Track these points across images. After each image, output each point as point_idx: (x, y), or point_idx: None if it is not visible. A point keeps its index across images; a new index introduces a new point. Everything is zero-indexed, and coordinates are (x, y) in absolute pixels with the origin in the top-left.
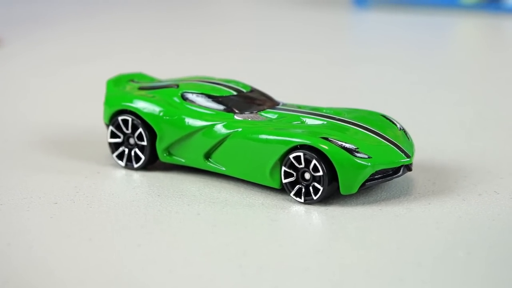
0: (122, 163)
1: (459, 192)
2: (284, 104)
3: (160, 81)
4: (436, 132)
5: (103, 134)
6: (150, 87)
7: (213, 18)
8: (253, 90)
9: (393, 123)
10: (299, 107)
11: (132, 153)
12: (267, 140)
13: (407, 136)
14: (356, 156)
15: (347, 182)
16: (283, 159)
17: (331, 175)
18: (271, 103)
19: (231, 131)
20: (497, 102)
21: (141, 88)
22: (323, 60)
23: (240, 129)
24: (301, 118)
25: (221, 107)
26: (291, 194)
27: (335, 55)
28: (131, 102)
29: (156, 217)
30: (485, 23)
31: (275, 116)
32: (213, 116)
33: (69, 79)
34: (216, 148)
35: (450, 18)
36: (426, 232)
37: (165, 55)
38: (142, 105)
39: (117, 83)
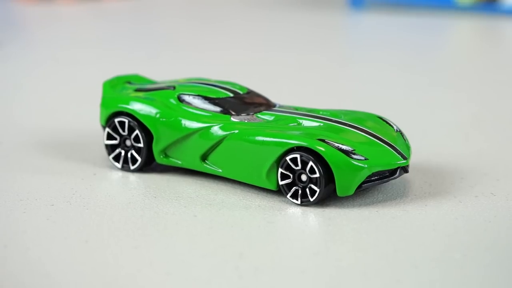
0: (119, 165)
1: (455, 194)
2: (280, 106)
3: (156, 82)
4: (433, 133)
5: (100, 136)
6: (147, 89)
7: (209, 20)
8: (249, 92)
9: (390, 124)
10: (296, 108)
11: (129, 155)
12: (263, 142)
13: (403, 138)
14: (352, 158)
15: (344, 184)
16: (280, 160)
17: (328, 177)
18: (268, 105)
19: (228, 133)
20: (493, 104)
21: (137, 90)
22: (320, 62)
23: (236, 131)
24: (297, 120)
25: (218, 109)
26: (288, 196)
27: (331, 57)
28: (127, 104)
29: (153, 219)
30: (482, 24)
31: (271, 118)
32: (210, 118)
33: (66, 81)
34: (212, 150)
35: (446, 19)
36: (423, 234)
37: (161, 57)
38: (138, 107)
39: (113, 85)
